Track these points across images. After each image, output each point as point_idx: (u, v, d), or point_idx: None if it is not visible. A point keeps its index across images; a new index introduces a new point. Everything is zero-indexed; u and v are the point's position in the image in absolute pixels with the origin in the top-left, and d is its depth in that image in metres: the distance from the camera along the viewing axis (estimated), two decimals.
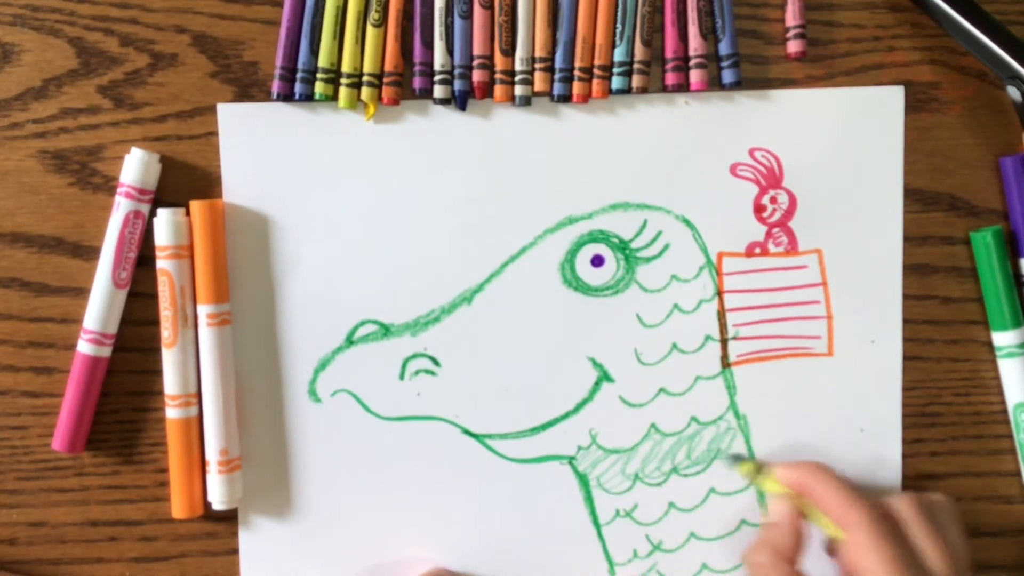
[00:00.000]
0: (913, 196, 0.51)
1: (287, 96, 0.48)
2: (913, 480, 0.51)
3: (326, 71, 0.48)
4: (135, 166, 0.47)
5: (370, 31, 0.48)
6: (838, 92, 0.50)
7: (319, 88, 0.48)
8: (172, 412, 0.48)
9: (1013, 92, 0.47)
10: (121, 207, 0.47)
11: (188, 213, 0.48)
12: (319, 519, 0.50)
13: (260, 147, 0.49)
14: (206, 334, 0.48)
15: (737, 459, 0.50)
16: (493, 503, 0.50)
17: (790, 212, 0.50)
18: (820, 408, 0.51)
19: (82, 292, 0.48)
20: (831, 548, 0.48)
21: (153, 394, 0.49)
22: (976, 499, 0.52)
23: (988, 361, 0.51)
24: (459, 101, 0.49)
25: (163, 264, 0.47)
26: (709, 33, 0.49)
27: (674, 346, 0.50)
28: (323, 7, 0.48)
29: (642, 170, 0.50)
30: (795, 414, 0.51)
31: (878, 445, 0.51)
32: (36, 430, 0.49)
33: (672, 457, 0.50)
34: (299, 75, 0.48)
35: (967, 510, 0.52)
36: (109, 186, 0.49)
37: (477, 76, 0.49)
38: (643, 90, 0.49)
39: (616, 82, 0.49)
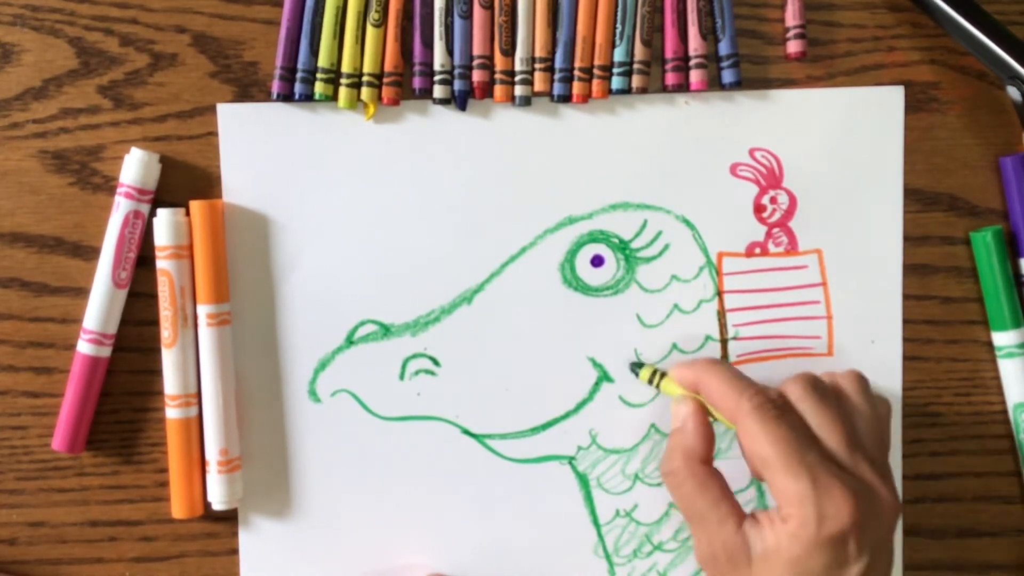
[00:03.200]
0: (913, 196, 0.51)
1: (287, 96, 0.48)
2: (913, 480, 0.51)
3: (326, 71, 0.48)
4: (135, 166, 0.47)
5: (370, 31, 0.48)
6: (838, 92, 0.50)
7: (319, 88, 0.48)
8: (172, 412, 0.48)
9: (1013, 92, 0.47)
10: (121, 207, 0.47)
11: (188, 213, 0.48)
12: (319, 519, 0.50)
13: (260, 147, 0.49)
14: (206, 334, 0.48)
15: (636, 367, 0.49)
16: (493, 503, 0.50)
17: (790, 212, 0.50)
18: None
19: (82, 292, 0.48)
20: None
21: (153, 394, 0.49)
22: (976, 499, 0.52)
23: (988, 361, 0.51)
24: (459, 101, 0.49)
25: (163, 264, 0.47)
26: (709, 33, 0.49)
27: (674, 346, 0.50)
28: (323, 7, 0.48)
29: (642, 170, 0.50)
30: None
31: None
32: (36, 430, 0.49)
33: None
34: (299, 75, 0.48)
35: (967, 510, 0.52)
36: (109, 186, 0.49)
37: (477, 76, 0.49)
38: (643, 90, 0.49)
39: (616, 82, 0.49)
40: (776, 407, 0.42)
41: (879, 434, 0.44)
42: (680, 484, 0.44)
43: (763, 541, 0.41)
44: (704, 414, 0.45)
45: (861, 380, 0.45)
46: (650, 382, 0.49)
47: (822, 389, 0.43)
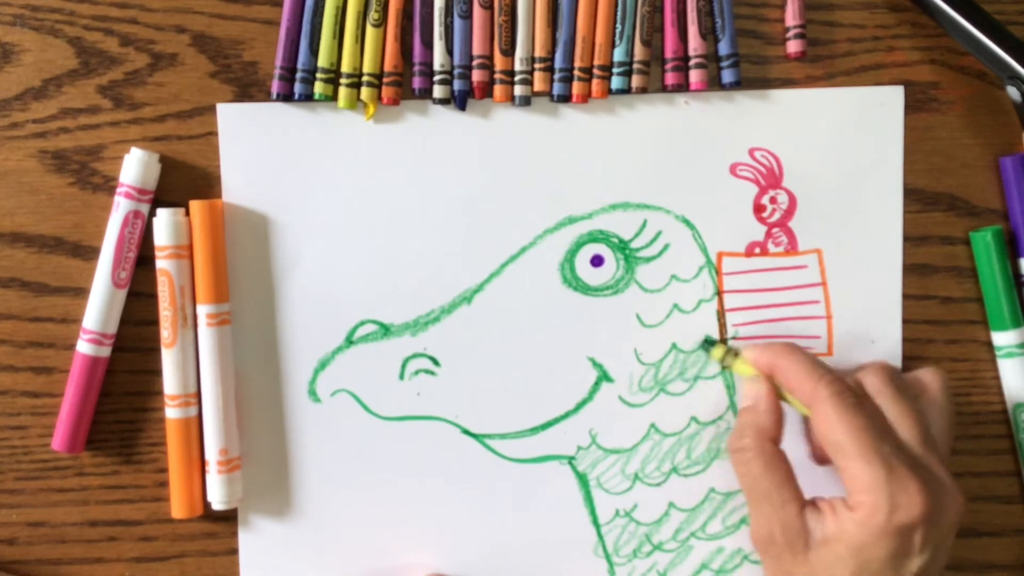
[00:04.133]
0: (913, 196, 0.51)
1: (287, 96, 0.48)
2: None
3: (326, 71, 0.48)
4: (135, 166, 0.47)
5: (370, 31, 0.48)
6: (838, 92, 0.50)
7: (319, 88, 0.48)
8: (172, 412, 0.48)
9: (1013, 92, 0.47)
10: (121, 207, 0.47)
11: (188, 213, 0.48)
12: (319, 519, 0.50)
13: (260, 147, 0.49)
14: (206, 334, 0.48)
15: (709, 343, 0.49)
16: (493, 503, 0.50)
17: (790, 212, 0.50)
18: None
19: (82, 292, 0.48)
20: (813, 448, 0.47)
21: (153, 394, 0.49)
22: (976, 499, 0.52)
23: (988, 361, 0.51)
24: (459, 101, 0.49)
25: (163, 264, 0.47)
26: (709, 33, 0.49)
27: (674, 346, 0.50)
28: (323, 7, 0.48)
29: (642, 170, 0.50)
30: (795, 414, 0.51)
31: None
32: (36, 430, 0.49)
33: (672, 457, 0.50)
34: (299, 75, 0.48)
35: (967, 510, 0.52)
36: (109, 186, 0.49)
37: (477, 76, 0.49)
38: (643, 90, 0.49)
39: (616, 82, 0.49)
40: (854, 395, 0.42)
41: (950, 434, 0.45)
42: (748, 461, 0.44)
43: (824, 528, 0.41)
44: (776, 395, 0.45)
45: (942, 378, 0.46)
46: (722, 361, 0.49)
47: (900, 382, 0.44)
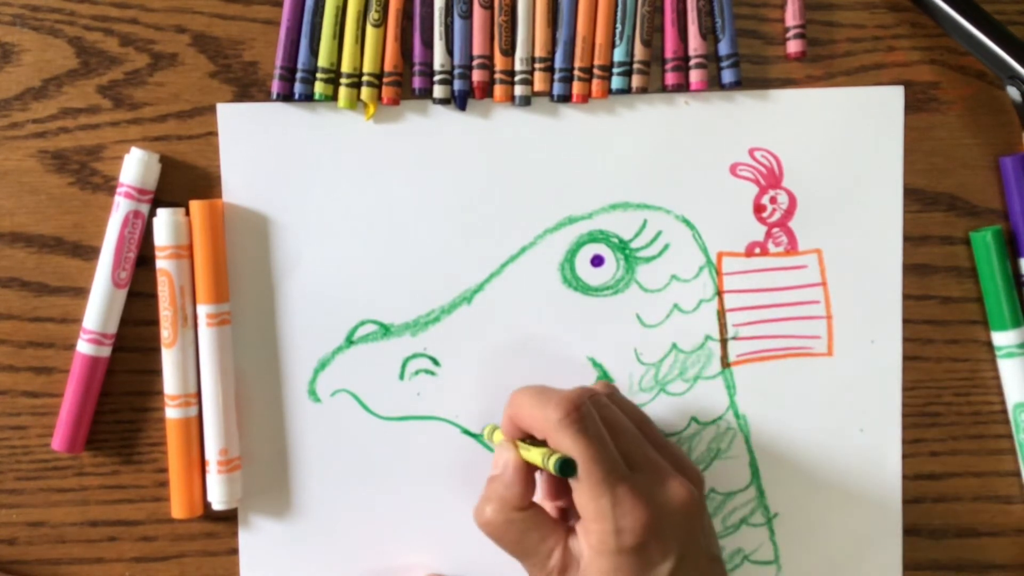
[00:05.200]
0: (913, 196, 0.51)
1: (287, 96, 0.48)
2: (913, 480, 0.51)
3: (326, 71, 0.48)
4: (135, 166, 0.47)
5: (370, 31, 0.48)
6: (838, 92, 0.50)
7: (319, 88, 0.48)
8: (172, 412, 0.48)
9: (1013, 92, 0.47)
10: (121, 207, 0.47)
11: (188, 213, 0.48)
12: (319, 519, 0.50)
13: (260, 147, 0.49)
14: (206, 334, 0.48)
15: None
16: None
17: (790, 212, 0.50)
18: (820, 408, 0.51)
19: (82, 292, 0.48)
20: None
21: (153, 394, 0.49)
22: (976, 499, 0.52)
23: (988, 361, 0.51)
24: (459, 101, 0.49)
25: (163, 264, 0.47)
26: (709, 33, 0.49)
27: (674, 346, 0.50)
28: (323, 7, 0.48)
29: (642, 170, 0.50)
30: (795, 414, 0.51)
31: (878, 445, 0.51)
32: (36, 430, 0.49)
33: None
34: (299, 75, 0.48)
35: (967, 510, 0.52)
36: (109, 186, 0.49)
37: (477, 76, 0.49)
38: (643, 90, 0.49)
39: (616, 82, 0.49)
40: (581, 412, 0.41)
41: (650, 424, 0.45)
42: (499, 536, 0.43)
43: (581, 556, 0.42)
44: (521, 460, 0.43)
45: (610, 384, 0.47)
46: (490, 438, 0.48)
47: (596, 396, 0.43)
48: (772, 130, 0.50)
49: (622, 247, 0.50)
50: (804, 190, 0.50)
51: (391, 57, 0.48)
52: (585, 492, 0.41)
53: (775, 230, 0.50)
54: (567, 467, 0.40)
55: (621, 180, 0.50)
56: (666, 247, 0.50)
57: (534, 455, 0.42)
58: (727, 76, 0.49)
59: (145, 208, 0.48)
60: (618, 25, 0.49)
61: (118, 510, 0.50)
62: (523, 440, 0.44)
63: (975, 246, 0.51)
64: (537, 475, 0.45)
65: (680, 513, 0.41)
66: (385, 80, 0.48)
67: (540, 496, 0.46)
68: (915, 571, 0.52)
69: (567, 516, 0.45)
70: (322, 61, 0.48)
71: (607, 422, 0.42)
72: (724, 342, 0.50)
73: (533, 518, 0.43)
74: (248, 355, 0.49)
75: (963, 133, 0.51)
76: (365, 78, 0.48)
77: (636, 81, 0.49)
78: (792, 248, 0.51)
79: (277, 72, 0.48)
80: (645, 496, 0.41)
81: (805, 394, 0.51)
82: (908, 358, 0.51)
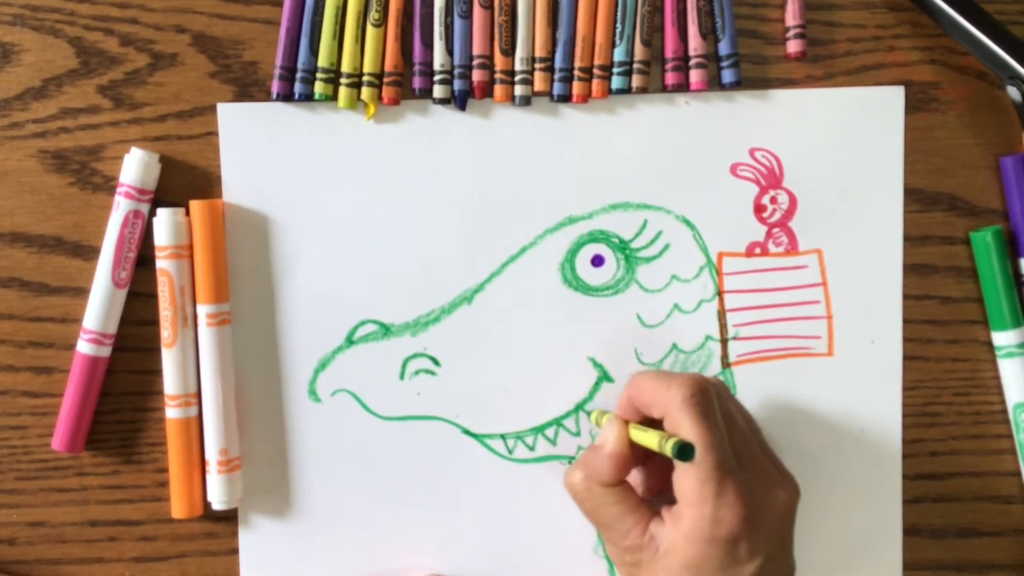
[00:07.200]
0: (913, 196, 0.51)
1: (287, 96, 0.48)
2: (913, 480, 0.51)
3: (326, 71, 0.48)
4: (135, 166, 0.47)
5: (370, 31, 0.48)
6: (838, 92, 0.50)
7: (319, 88, 0.48)
8: (172, 412, 0.48)
9: (1013, 92, 0.47)
10: (121, 207, 0.47)
11: (188, 213, 0.48)
12: (319, 519, 0.50)
13: (260, 147, 0.49)
14: (206, 334, 0.48)
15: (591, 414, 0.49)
16: (493, 503, 0.50)
17: (790, 212, 0.50)
18: (820, 408, 0.51)
19: (82, 292, 0.48)
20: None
21: (153, 394, 0.49)
22: (976, 499, 0.52)
23: (988, 361, 0.51)
24: (459, 101, 0.49)
25: (163, 264, 0.47)
26: (709, 33, 0.49)
27: (674, 346, 0.50)
28: (323, 7, 0.48)
29: (642, 170, 0.50)
30: (795, 414, 0.51)
31: (878, 445, 0.51)
32: (36, 430, 0.49)
33: None
34: (299, 75, 0.48)
35: (967, 510, 0.52)
36: (109, 186, 0.49)
37: (477, 76, 0.49)
38: (643, 90, 0.49)
39: (616, 82, 0.49)
40: (705, 395, 0.42)
41: (756, 426, 0.46)
42: (579, 501, 0.44)
43: (664, 541, 0.42)
44: (626, 440, 0.44)
45: (722, 382, 0.47)
46: (598, 422, 0.48)
47: (718, 384, 0.45)
48: (772, 130, 0.50)
49: (622, 247, 0.50)
50: (804, 190, 0.50)
51: (391, 57, 0.48)
52: (692, 476, 0.41)
53: (775, 230, 0.50)
54: (685, 451, 0.40)
55: (621, 180, 0.50)
56: (666, 247, 0.50)
57: (649, 437, 0.42)
58: (727, 76, 0.49)
59: (145, 208, 0.48)
60: (618, 25, 0.49)
61: (118, 510, 0.50)
62: (638, 423, 0.45)
63: (975, 246, 0.51)
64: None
65: (777, 518, 0.42)
66: (385, 80, 0.48)
67: (634, 478, 0.46)
68: (915, 571, 0.52)
69: (655, 502, 0.45)
70: (322, 61, 0.48)
71: (724, 413, 0.43)
72: (724, 342, 0.50)
73: (617, 494, 0.43)
74: (248, 355, 0.49)
75: (963, 133, 0.51)
76: (365, 78, 0.48)
77: (636, 81, 0.49)
78: (792, 248, 0.51)
79: (277, 72, 0.48)
80: (748, 494, 0.41)
81: (805, 394, 0.51)
82: (908, 358, 0.51)
